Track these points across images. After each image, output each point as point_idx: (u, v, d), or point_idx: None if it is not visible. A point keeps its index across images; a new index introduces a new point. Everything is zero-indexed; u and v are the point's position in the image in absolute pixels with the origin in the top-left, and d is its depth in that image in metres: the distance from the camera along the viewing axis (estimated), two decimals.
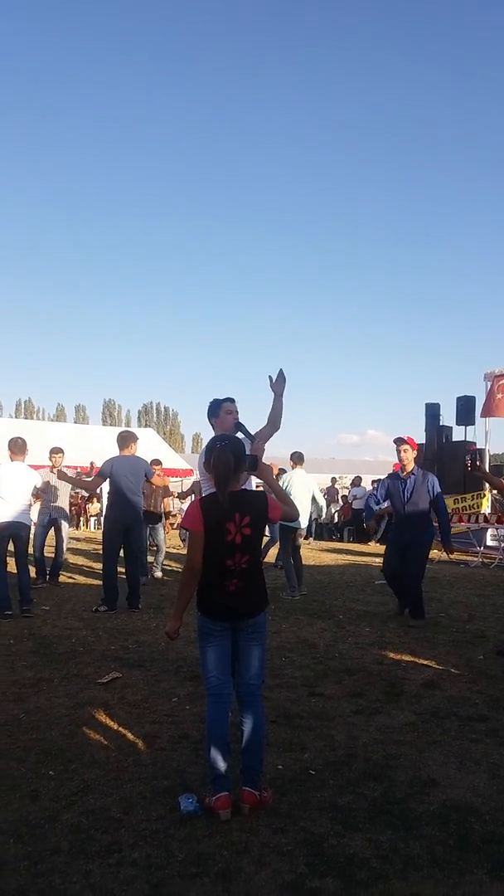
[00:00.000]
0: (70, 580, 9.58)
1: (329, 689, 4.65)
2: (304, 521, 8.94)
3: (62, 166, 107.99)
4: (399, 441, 7.09)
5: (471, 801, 3.03)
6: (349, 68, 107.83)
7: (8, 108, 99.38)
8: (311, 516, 11.50)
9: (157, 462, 10.48)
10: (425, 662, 5.38)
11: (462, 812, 2.93)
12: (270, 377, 4.21)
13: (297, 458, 9.10)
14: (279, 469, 10.62)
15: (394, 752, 3.57)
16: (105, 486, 8.40)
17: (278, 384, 4.21)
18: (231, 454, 2.92)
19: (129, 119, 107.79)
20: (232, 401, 4.11)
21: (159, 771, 3.29)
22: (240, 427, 3.98)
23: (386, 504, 7.57)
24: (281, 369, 4.22)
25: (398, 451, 7.03)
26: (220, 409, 4.07)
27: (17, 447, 7.11)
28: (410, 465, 7.01)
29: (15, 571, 7.07)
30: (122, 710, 4.17)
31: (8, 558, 7.13)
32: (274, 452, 11.89)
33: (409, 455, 7.01)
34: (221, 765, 2.91)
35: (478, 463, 6.52)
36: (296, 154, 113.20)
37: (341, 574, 10.70)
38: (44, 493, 8.49)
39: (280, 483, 8.56)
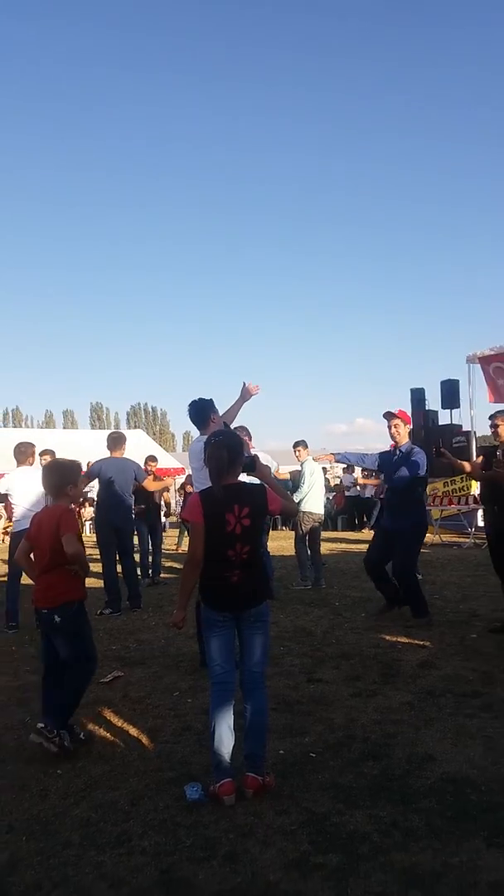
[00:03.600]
0: None
1: (327, 674, 4.75)
2: (321, 508, 8.95)
3: (64, 170, 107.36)
4: (389, 416, 6.29)
5: (467, 774, 3.13)
6: (350, 74, 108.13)
7: (24, 124, 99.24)
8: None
9: (152, 458, 10.25)
10: (420, 643, 5.48)
11: (459, 784, 3.02)
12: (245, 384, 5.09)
13: (304, 445, 8.79)
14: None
15: (392, 731, 3.67)
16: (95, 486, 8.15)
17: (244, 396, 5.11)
18: (225, 449, 3.01)
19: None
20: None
21: (164, 763, 3.38)
22: (226, 425, 4.20)
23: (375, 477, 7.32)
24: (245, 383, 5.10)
25: (389, 427, 6.26)
26: (213, 409, 4.65)
27: (21, 453, 7.07)
28: (404, 441, 6.27)
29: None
30: (125, 707, 4.25)
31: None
32: (264, 446, 11.97)
33: (402, 430, 6.26)
34: (225, 752, 2.99)
35: (442, 450, 6.26)
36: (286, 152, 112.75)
37: (336, 562, 10.80)
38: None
39: (305, 475, 8.60)
